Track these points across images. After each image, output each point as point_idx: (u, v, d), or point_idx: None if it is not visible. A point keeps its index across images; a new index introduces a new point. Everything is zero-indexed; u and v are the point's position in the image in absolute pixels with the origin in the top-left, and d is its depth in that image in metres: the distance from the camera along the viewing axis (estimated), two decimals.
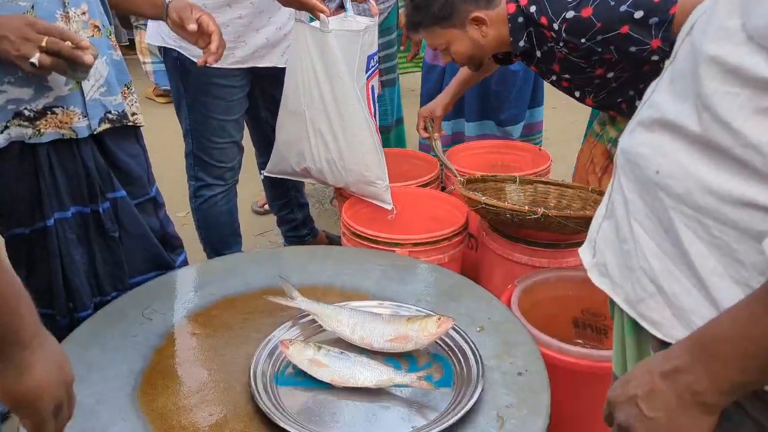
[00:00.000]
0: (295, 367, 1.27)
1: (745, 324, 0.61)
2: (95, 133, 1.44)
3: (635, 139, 0.78)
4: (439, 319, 1.29)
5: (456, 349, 1.32)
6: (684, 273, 0.73)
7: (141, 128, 1.63)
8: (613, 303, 0.90)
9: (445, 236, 1.99)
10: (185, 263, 1.85)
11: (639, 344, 0.86)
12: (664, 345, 0.78)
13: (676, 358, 0.66)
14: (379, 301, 1.45)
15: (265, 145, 2.44)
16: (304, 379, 1.25)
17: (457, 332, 1.33)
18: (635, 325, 0.83)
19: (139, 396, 1.23)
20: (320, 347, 1.27)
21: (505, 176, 2.02)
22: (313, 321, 1.38)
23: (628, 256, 0.82)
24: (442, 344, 1.34)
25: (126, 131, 1.53)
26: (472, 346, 1.30)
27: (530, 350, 1.34)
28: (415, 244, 1.95)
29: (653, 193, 0.75)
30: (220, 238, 2.39)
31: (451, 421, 1.12)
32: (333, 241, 2.73)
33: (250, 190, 3.43)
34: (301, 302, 1.38)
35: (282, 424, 1.12)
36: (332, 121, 2.07)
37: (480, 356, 1.27)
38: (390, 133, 3.04)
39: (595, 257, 0.92)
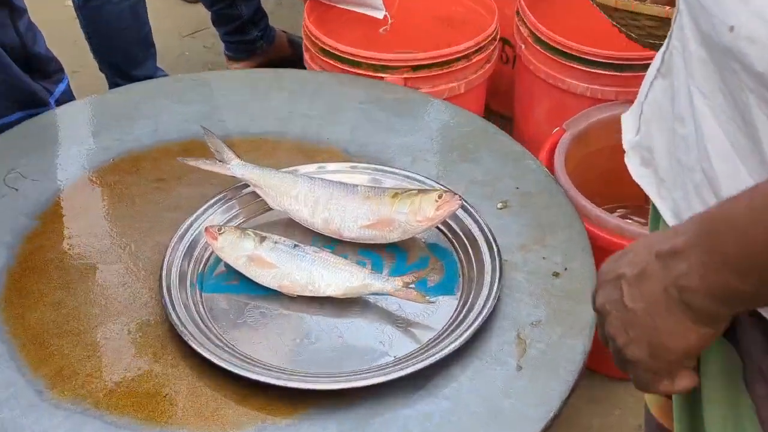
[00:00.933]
0: (227, 266, 1.25)
1: (762, 210, 0.61)
2: None
3: None
4: (440, 195, 1.25)
5: (464, 238, 1.29)
6: None
7: None
8: (657, 215, 0.87)
9: (462, 53, 1.86)
10: (67, 97, 1.75)
11: None
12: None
13: (678, 236, 0.68)
14: (353, 164, 1.41)
15: None
16: (240, 283, 1.23)
17: (467, 212, 1.30)
18: None
19: (1, 309, 1.21)
20: (264, 237, 1.23)
21: None
22: (255, 196, 1.34)
23: (685, 146, 0.77)
24: (443, 232, 1.31)
25: None
26: (487, 232, 1.27)
27: (575, 236, 1.31)
28: (416, 68, 1.84)
29: (724, 62, 0.70)
30: (121, 50, 2.28)
31: (449, 348, 1.10)
32: (298, 50, 2.59)
33: None
34: (235, 166, 1.33)
35: (206, 354, 1.10)
36: None
37: (498, 248, 1.24)
38: None
39: (639, 133, 0.87)
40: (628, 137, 0.90)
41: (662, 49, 0.85)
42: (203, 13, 3.08)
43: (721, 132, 0.72)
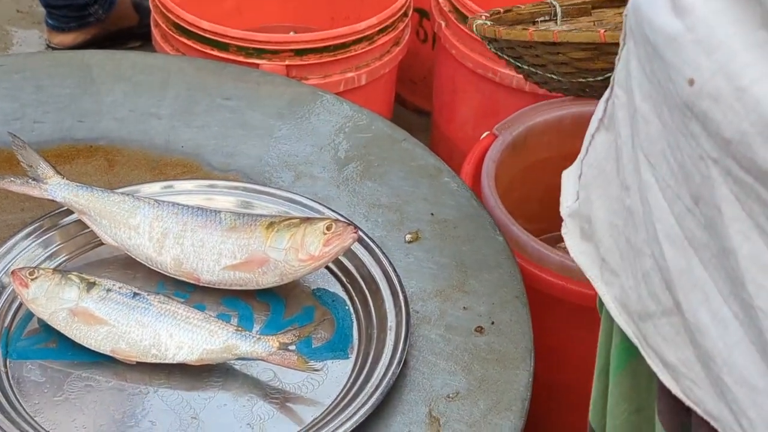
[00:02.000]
0: (42, 323, 1.25)
1: None
2: None
3: None
4: (329, 226, 1.27)
5: (362, 282, 1.32)
6: (724, 290, 0.73)
7: None
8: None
9: (362, 33, 1.90)
10: None
11: (635, 375, 0.91)
12: (677, 405, 0.81)
13: None
14: (214, 182, 1.44)
15: None
16: (58, 346, 1.23)
17: (366, 247, 1.33)
18: (632, 348, 0.87)
19: None
20: (92, 283, 1.24)
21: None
22: (82, 226, 1.35)
23: (632, 221, 0.82)
24: (334, 274, 1.34)
25: None
26: (392, 275, 1.30)
27: (506, 278, 1.35)
28: (301, 52, 1.87)
29: (679, 123, 0.74)
30: None
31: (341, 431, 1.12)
32: (146, 19, 2.58)
33: None
34: (54, 186, 1.33)
35: None
36: None
37: (405, 295, 1.27)
38: None
39: (578, 199, 0.92)
40: (566, 202, 0.95)
41: (605, 94, 0.89)
42: None
43: (669, 213, 0.76)
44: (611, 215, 0.85)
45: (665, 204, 0.76)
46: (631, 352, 0.89)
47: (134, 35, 2.62)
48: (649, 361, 0.83)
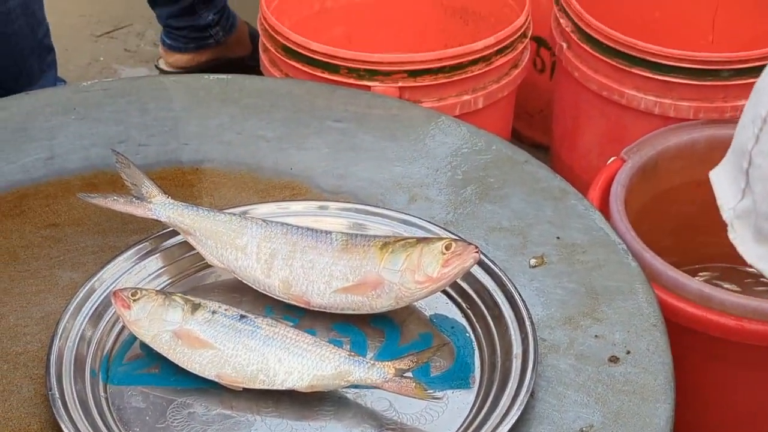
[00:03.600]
0: (144, 346, 1.25)
1: None
2: None
3: None
4: (447, 246, 1.25)
5: (483, 308, 1.30)
6: None
7: None
8: None
9: (480, 53, 1.90)
10: None
11: None
12: None
13: None
14: (325, 203, 1.44)
15: None
16: (161, 371, 1.23)
17: (488, 270, 1.31)
18: None
19: None
20: (197, 305, 1.23)
21: None
22: (187, 247, 1.36)
23: None
24: (453, 298, 1.33)
25: None
26: (517, 300, 1.28)
27: (642, 306, 1.32)
28: (415, 73, 1.87)
29: None
30: (8, 62, 2.31)
31: None
32: (256, 52, 2.63)
33: None
34: (159, 206, 1.34)
35: None
36: None
37: (532, 322, 1.25)
38: None
39: (748, 196, 0.86)
40: (729, 203, 0.90)
41: None
42: (124, 5, 3.14)
43: None
44: None
45: None
46: None
47: (246, 66, 2.66)
48: None
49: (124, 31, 3.10)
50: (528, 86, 2.13)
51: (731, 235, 0.89)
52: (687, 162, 1.76)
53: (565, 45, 1.95)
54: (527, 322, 1.23)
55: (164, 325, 1.20)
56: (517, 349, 1.21)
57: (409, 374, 1.16)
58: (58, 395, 1.15)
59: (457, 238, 1.28)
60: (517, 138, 2.37)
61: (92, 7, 3.21)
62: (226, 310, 1.22)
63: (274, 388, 1.17)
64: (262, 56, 1.97)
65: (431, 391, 1.16)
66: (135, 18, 3.12)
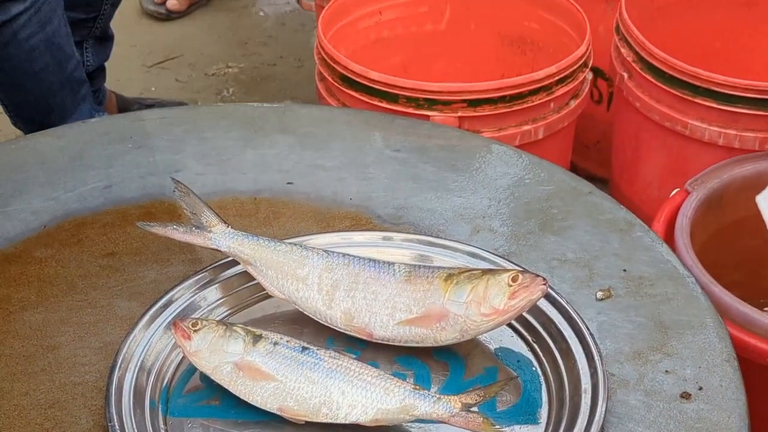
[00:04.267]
0: (205, 378, 1.24)
1: None
2: None
3: None
4: (514, 278, 1.24)
5: (550, 342, 1.29)
6: None
7: None
8: None
9: (540, 83, 1.91)
10: None
11: None
12: None
13: None
14: (387, 234, 1.44)
15: None
16: (222, 403, 1.23)
17: (554, 303, 1.30)
18: None
19: None
20: (259, 336, 1.23)
21: None
22: (247, 277, 1.36)
23: None
24: (518, 332, 1.32)
25: None
26: (585, 333, 1.27)
27: (713, 341, 1.31)
28: (475, 102, 1.87)
29: None
30: (38, 100, 2.33)
31: None
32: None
33: None
34: (219, 235, 1.35)
35: None
36: None
37: (601, 356, 1.24)
38: None
39: None
40: None
41: None
42: (176, 35, 3.18)
43: None
44: None
45: None
46: None
47: None
48: None
49: (175, 61, 3.14)
50: (584, 117, 2.13)
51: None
52: (752, 194, 1.74)
53: (626, 75, 1.95)
54: (596, 356, 1.21)
55: (225, 357, 1.20)
56: (585, 384, 1.20)
57: (475, 409, 1.15)
58: (117, 427, 1.14)
59: (523, 269, 1.27)
60: (572, 170, 2.37)
61: (143, 38, 3.27)
62: (288, 341, 1.21)
63: (338, 421, 1.16)
64: (319, 85, 1.98)
65: (498, 426, 1.15)
66: (186, 48, 3.17)
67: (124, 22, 3.24)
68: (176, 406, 1.22)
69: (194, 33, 3.25)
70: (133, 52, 3.14)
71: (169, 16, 3.38)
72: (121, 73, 2.98)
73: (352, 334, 1.27)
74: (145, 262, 1.42)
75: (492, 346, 1.29)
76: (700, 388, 1.22)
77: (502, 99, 1.84)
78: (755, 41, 2.06)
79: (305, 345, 1.21)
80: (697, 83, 1.82)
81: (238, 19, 3.34)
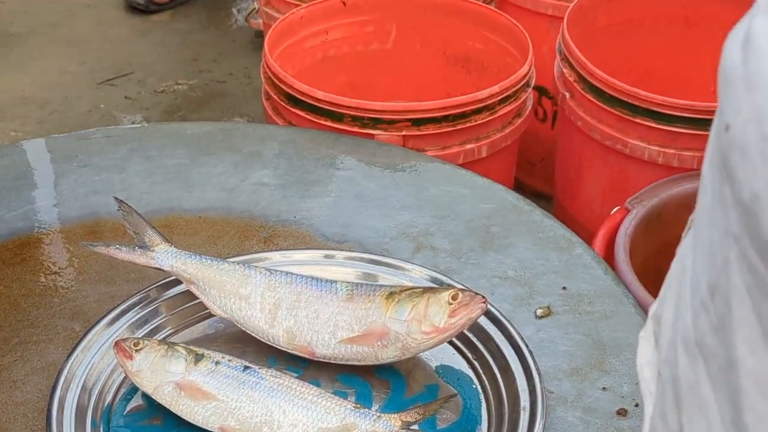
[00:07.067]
0: (146, 397, 1.24)
1: None
2: None
3: None
4: (454, 296, 1.24)
5: (490, 360, 1.29)
6: (726, 417, 0.64)
7: None
8: None
9: (483, 102, 1.90)
10: None
11: None
12: None
13: None
14: (330, 251, 1.44)
15: None
16: (163, 422, 1.22)
17: (494, 321, 1.30)
18: None
19: None
20: (200, 356, 1.23)
21: None
22: (190, 297, 1.35)
23: (669, 317, 0.73)
24: (459, 349, 1.32)
25: None
26: (524, 351, 1.27)
27: None
28: (419, 122, 1.87)
29: (717, 180, 0.62)
30: None
31: None
32: None
33: None
34: (162, 254, 1.34)
35: None
36: None
37: (539, 373, 1.24)
38: None
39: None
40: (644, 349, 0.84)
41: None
42: (126, 52, 3.16)
43: (689, 307, 0.68)
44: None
45: (688, 294, 0.68)
46: None
47: None
48: None
49: (125, 78, 3.12)
50: (530, 135, 2.14)
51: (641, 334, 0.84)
52: (691, 212, 1.76)
53: (568, 95, 1.96)
54: (535, 374, 1.22)
55: (167, 376, 1.19)
56: (524, 401, 1.20)
57: (416, 427, 1.15)
58: None
59: (463, 288, 1.28)
60: (518, 186, 2.38)
61: (93, 55, 3.24)
62: (229, 360, 1.21)
63: None
64: (266, 104, 1.97)
65: None
66: (136, 65, 3.15)
67: (74, 39, 3.23)
68: (118, 426, 1.21)
69: (144, 50, 3.23)
70: (83, 69, 3.11)
71: (148, 7, 3.41)
72: (70, 91, 2.96)
73: (294, 352, 1.27)
74: (89, 281, 1.41)
75: (433, 364, 1.29)
76: (636, 405, 1.23)
77: (446, 118, 1.85)
78: (695, 61, 2.09)
79: (247, 364, 1.21)
80: (637, 103, 1.83)
81: (189, 35, 3.34)
